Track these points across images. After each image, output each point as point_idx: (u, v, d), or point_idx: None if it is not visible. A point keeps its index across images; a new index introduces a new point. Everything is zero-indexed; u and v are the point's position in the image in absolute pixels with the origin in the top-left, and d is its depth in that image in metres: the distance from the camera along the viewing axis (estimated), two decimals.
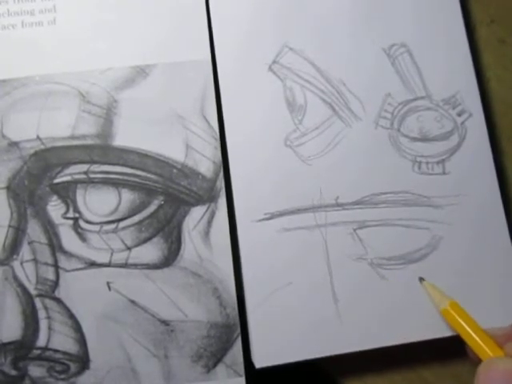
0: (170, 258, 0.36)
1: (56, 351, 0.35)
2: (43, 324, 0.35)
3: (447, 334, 0.36)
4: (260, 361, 0.35)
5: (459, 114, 0.39)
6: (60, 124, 0.37)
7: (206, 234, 0.37)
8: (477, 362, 0.33)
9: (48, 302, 0.35)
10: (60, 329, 0.35)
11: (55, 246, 0.36)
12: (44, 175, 0.37)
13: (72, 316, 0.35)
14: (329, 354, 0.35)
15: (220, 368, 0.35)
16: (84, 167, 0.37)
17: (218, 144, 0.38)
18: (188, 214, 0.37)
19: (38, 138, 0.37)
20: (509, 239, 0.38)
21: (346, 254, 0.37)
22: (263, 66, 0.39)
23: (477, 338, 0.34)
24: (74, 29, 0.39)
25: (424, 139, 0.39)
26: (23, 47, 0.38)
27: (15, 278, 0.36)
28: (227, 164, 0.37)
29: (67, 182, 0.37)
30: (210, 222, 0.37)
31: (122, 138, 0.37)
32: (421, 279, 0.36)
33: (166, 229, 0.37)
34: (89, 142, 0.37)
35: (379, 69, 0.39)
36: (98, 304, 0.35)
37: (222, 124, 0.38)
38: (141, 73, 0.38)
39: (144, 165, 0.37)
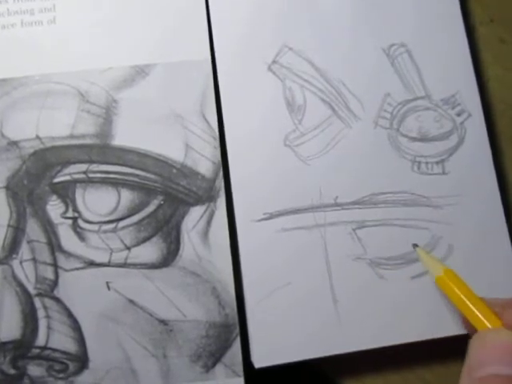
0: (169, 258, 0.36)
1: (55, 350, 0.35)
2: (42, 323, 0.35)
3: (447, 333, 0.36)
4: (259, 361, 0.35)
5: (458, 114, 0.39)
6: (59, 123, 0.37)
7: (205, 233, 0.37)
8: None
9: (47, 301, 0.35)
10: (59, 328, 0.35)
11: (54, 245, 0.36)
12: (43, 175, 0.37)
13: (71, 315, 0.35)
14: (328, 354, 0.35)
15: (219, 368, 0.35)
16: (83, 167, 0.37)
17: (217, 144, 0.38)
18: (187, 214, 0.37)
19: (38, 137, 0.37)
20: (509, 239, 0.38)
21: (345, 254, 0.37)
22: (263, 65, 0.39)
23: (472, 307, 0.31)
24: (74, 28, 0.39)
25: (423, 139, 0.39)
26: (23, 46, 0.38)
27: (14, 277, 0.36)
28: (227, 164, 0.37)
29: (66, 181, 0.37)
30: (209, 222, 0.37)
31: (122, 137, 0.37)
32: (414, 245, 0.36)
33: (165, 228, 0.36)
34: (88, 141, 0.37)
35: (379, 69, 0.39)
36: (97, 303, 0.35)
37: (222, 124, 0.38)
38: (140, 72, 0.38)
39: (143, 164, 0.37)
